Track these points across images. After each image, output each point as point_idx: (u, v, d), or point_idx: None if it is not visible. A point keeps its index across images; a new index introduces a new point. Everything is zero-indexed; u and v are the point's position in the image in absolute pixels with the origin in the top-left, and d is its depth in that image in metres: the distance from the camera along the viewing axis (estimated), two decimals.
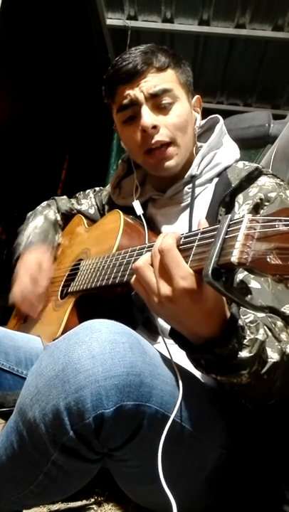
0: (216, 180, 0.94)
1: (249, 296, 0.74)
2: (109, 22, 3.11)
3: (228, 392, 0.67)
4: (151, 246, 0.63)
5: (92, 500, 0.96)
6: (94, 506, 0.95)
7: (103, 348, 0.56)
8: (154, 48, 0.92)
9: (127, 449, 0.59)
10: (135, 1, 2.97)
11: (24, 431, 0.58)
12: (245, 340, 0.58)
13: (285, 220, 0.45)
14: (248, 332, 0.60)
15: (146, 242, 0.89)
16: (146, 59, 0.88)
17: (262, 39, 3.01)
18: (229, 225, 0.51)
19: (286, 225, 0.44)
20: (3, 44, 2.25)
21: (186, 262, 0.55)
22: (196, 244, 0.56)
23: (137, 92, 0.88)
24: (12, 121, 2.61)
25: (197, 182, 0.93)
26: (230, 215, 0.52)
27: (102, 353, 0.56)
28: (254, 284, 0.74)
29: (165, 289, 0.56)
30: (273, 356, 0.62)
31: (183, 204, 0.94)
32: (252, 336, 0.59)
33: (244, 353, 0.58)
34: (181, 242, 0.58)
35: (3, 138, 2.50)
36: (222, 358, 0.58)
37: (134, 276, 0.61)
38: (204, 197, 0.93)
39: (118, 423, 0.55)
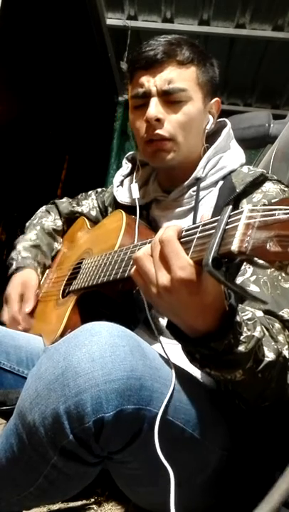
0: (220, 183, 0.94)
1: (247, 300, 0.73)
2: (109, 22, 3.10)
3: (226, 393, 0.67)
4: None
5: (92, 500, 0.96)
6: (94, 506, 0.95)
7: (103, 351, 0.56)
8: (182, 40, 0.91)
9: (127, 452, 0.59)
10: (135, 1, 2.96)
11: (24, 434, 0.58)
12: (242, 337, 0.58)
13: (285, 209, 0.45)
14: (245, 329, 0.59)
15: (136, 233, 0.89)
16: (169, 50, 0.88)
17: (262, 39, 3.00)
18: (230, 216, 0.51)
19: (286, 214, 0.45)
20: (3, 44, 2.25)
21: (187, 254, 0.55)
22: (197, 236, 0.55)
23: (151, 84, 0.88)
24: (12, 121, 2.60)
25: (202, 185, 0.93)
26: (230, 206, 0.52)
27: (102, 357, 0.56)
28: (253, 287, 0.74)
29: (163, 279, 0.55)
30: (269, 355, 0.61)
31: (187, 207, 0.94)
32: (249, 333, 0.59)
33: (240, 349, 0.58)
34: (182, 235, 0.58)
35: (3, 138, 2.49)
36: (217, 353, 0.57)
37: (134, 267, 0.61)
38: (208, 201, 0.93)
39: (118, 427, 0.55)
